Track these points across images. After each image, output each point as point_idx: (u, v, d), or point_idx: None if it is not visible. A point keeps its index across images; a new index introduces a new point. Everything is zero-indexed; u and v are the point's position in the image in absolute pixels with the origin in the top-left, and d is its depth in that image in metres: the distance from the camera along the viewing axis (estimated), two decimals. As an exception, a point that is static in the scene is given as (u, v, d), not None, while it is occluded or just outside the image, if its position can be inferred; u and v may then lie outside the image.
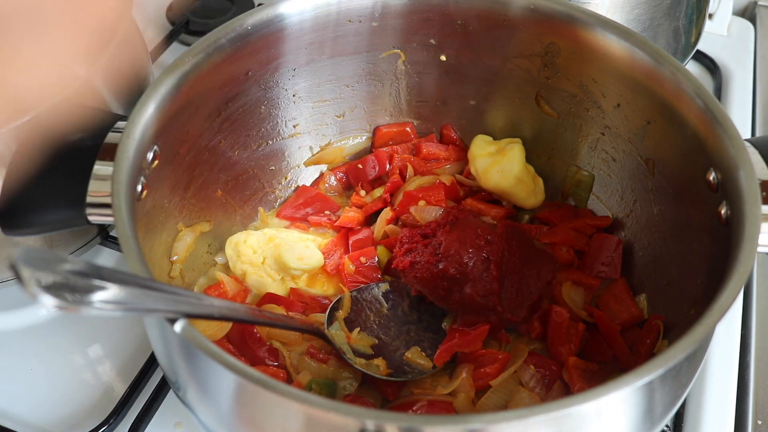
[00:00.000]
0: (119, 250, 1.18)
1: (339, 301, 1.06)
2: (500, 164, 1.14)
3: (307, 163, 1.22)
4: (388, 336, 1.05)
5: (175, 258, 1.03)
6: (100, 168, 0.85)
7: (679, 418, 1.03)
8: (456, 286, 1.01)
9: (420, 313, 1.07)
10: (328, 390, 0.96)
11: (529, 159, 1.18)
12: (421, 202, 1.14)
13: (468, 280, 1.00)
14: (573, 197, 1.18)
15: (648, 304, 1.04)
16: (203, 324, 0.99)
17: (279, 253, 1.07)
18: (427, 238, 1.06)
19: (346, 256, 1.11)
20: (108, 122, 0.89)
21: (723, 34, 1.67)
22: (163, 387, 1.05)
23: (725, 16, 1.68)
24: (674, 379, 0.77)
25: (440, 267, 1.01)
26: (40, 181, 0.85)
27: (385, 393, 0.99)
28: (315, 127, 1.20)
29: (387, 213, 1.15)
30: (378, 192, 1.20)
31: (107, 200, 0.80)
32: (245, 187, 1.15)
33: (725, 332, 1.13)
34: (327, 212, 1.18)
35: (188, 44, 1.59)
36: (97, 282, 0.63)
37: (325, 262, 1.11)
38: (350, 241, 1.14)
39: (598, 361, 0.99)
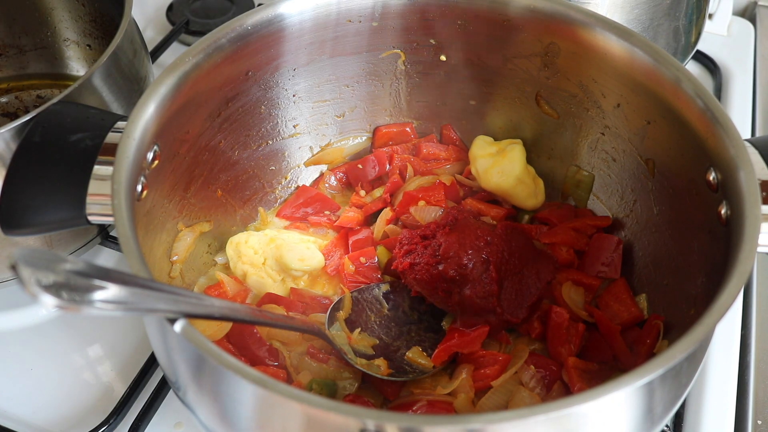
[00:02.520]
0: (119, 250, 1.18)
1: (340, 301, 1.06)
2: (501, 165, 1.14)
3: (307, 163, 1.22)
4: (389, 336, 1.05)
5: (175, 258, 1.03)
6: (100, 168, 0.85)
7: (679, 418, 1.03)
8: (455, 287, 1.00)
9: (421, 314, 1.07)
10: (329, 390, 0.96)
11: (530, 159, 1.18)
12: (421, 203, 1.14)
13: (467, 281, 1.00)
14: (573, 197, 1.18)
15: (648, 304, 1.04)
16: (203, 324, 0.99)
17: (280, 254, 1.07)
18: (427, 239, 1.06)
19: (346, 256, 1.11)
20: (108, 122, 0.89)
21: (723, 34, 1.67)
22: (163, 387, 1.05)
23: (725, 16, 1.68)
24: (674, 379, 0.77)
25: (440, 269, 1.01)
26: (40, 181, 0.85)
27: (385, 393, 0.99)
28: (315, 127, 1.20)
29: (387, 213, 1.15)
30: (378, 192, 1.20)
31: (107, 200, 0.80)
32: (245, 187, 1.15)
33: (725, 332, 1.13)
34: (327, 212, 1.18)
35: (188, 44, 1.59)
36: (97, 282, 0.63)
37: (325, 263, 1.11)
38: (350, 242, 1.14)
39: (598, 361, 0.99)
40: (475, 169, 1.16)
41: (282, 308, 1.04)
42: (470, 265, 1.00)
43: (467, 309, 1.01)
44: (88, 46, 1.39)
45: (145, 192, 0.88)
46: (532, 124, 1.17)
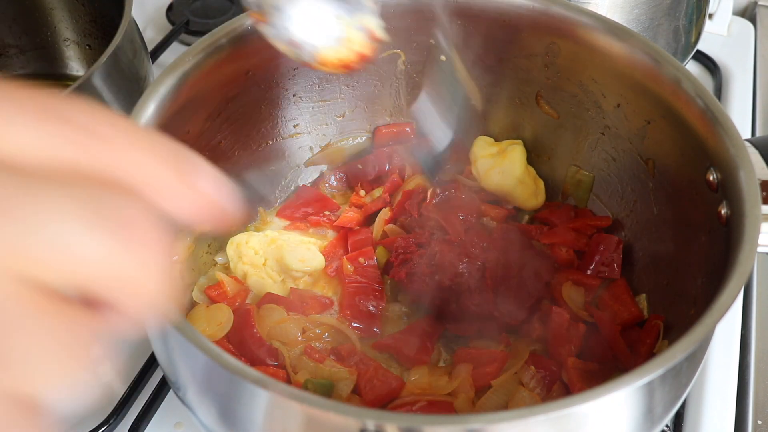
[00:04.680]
0: (119, 250, 1.18)
1: None
2: (501, 165, 1.14)
3: (307, 163, 1.22)
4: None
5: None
6: (100, 168, 0.85)
7: (679, 418, 1.03)
8: (452, 296, 1.00)
9: None
10: (324, 390, 0.95)
11: (529, 159, 1.18)
12: (421, 202, 1.14)
13: (463, 290, 1.00)
14: (573, 197, 1.18)
15: (648, 304, 1.04)
16: (203, 324, 0.99)
17: (281, 254, 1.07)
18: (422, 247, 1.05)
19: (344, 257, 1.11)
20: (108, 122, 0.89)
21: (723, 34, 1.67)
22: (163, 387, 1.05)
23: (725, 16, 1.68)
24: (674, 379, 0.77)
25: (435, 279, 1.01)
26: (40, 181, 0.85)
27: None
28: (315, 127, 1.20)
29: (385, 213, 1.15)
30: (378, 192, 1.20)
31: (107, 200, 0.80)
32: (245, 187, 1.15)
33: (725, 332, 1.13)
34: (327, 212, 1.18)
35: (188, 44, 1.59)
36: None
37: (325, 264, 1.11)
38: (349, 242, 1.13)
39: (598, 361, 0.99)
40: (475, 169, 1.16)
41: (282, 308, 1.03)
42: (466, 274, 1.00)
43: (464, 316, 1.00)
44: (88, 46, 1.39)
45: (145, 192, 0.88)
46: (532, 123, 1.17)
